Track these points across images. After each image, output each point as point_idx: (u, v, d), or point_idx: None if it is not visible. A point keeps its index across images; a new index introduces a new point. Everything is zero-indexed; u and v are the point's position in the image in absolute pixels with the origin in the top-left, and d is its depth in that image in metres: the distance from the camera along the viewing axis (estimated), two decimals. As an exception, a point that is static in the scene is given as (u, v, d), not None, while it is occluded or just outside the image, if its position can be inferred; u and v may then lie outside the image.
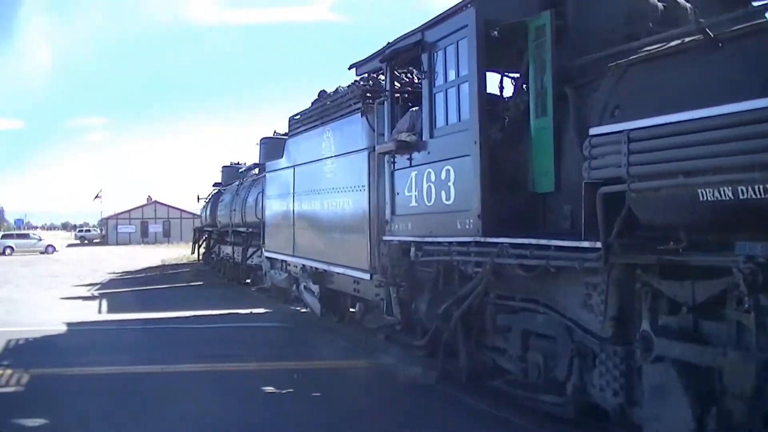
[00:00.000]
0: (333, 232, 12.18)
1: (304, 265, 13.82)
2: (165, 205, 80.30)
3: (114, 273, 32.17)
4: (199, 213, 42.51)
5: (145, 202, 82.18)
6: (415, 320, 9.77)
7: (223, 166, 31.60)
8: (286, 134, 21.42)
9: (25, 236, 57.55)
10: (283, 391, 8.97)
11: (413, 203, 9.27)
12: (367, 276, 10.80)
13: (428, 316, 9.22)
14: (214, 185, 38.08)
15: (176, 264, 35.61)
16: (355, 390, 9.18)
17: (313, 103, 13.69)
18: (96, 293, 22.42)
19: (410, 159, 9.38)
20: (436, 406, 8.28)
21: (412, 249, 9.32)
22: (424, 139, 9.05)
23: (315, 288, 13.18)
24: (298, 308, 16.29)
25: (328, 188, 12.41)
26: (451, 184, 8.35)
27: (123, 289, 24.08)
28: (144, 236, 77.68)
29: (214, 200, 27.00)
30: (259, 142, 21.42)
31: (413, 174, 9.27)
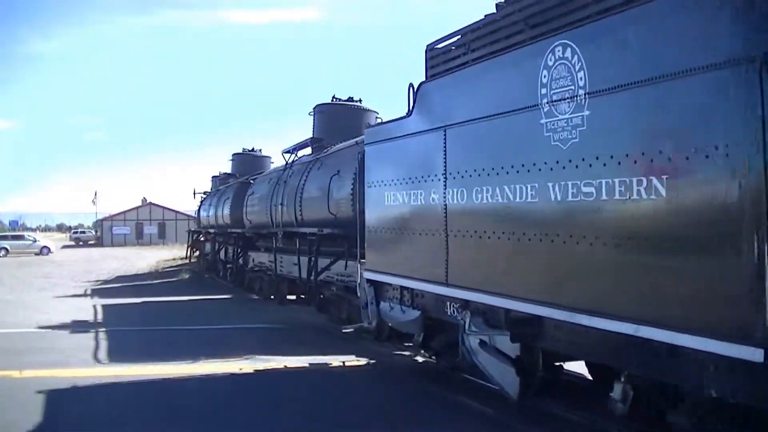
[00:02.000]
0: (581, 246, 5.25)
1: (468, 302, 6.82)
2: (160, 206, 73.43)
3: (110, 281, 25.36)
4: (195, 213, 36.36)
5: (140, 203, 75.03)
6: None
7: (235, 154, 24.38)
8: (350, 99, 14.47)
9: (20, 237, 51.99)
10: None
11: None
12: (753, 353, 3.88)
13: None
14: (217, 177, 30.73)
15: (172, 269, 30.26)
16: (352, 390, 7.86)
17: (497, 8, 6.64)
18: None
19: None
20: (435, 407, 7.11)
21: None
22: None
23: (511, 348, 6.20)
24: (412, 354, 9.32)
25: (560, 161, 5.62)
26: None
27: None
28: (139, 238, 70.78)
29: (236, 195, 19.54)
30: (312, 110, 14.27)
31: None
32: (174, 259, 35.65)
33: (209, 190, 31.65)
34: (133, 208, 73.79)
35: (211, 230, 23.21)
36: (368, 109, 14.13)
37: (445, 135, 7.23)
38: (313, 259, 11.99)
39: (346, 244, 10.77)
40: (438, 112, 7.41)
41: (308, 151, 14.33)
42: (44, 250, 47.43)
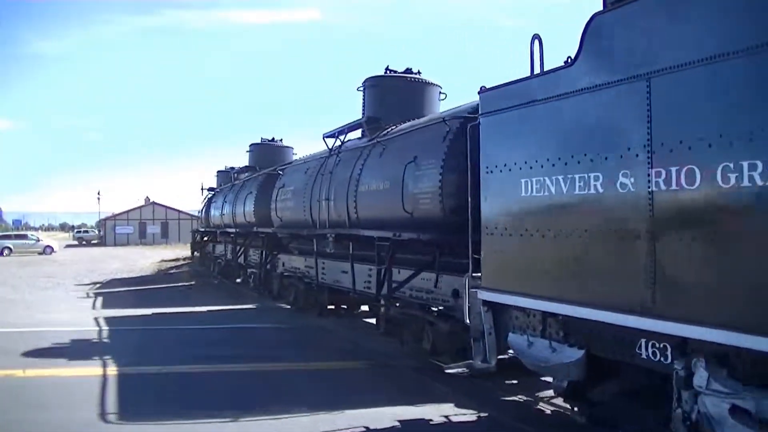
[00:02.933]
0: None
1: (686, 341, 4.17)
2: (163, 206, 70.17)
3: (114, 283, 22.54)
4: (199, 212, 33.63)
5: (143, 203, 71.79)
6: None
7: (253, 144, 21.43)
8: (408, 71, 11.37)
9: (23, 237, 50.00)
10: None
11: None
12: None
13: None
14: (223, 173, 27.98)
15: (177, 271, 27.93)
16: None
17: None
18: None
19: None
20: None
21: None
22: None
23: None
24: (531, 401, 6.72)
25: None
26: None
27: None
28: (142, 237, 67.55)
29: (261, 189, 16.67)
30: (362, 85, 11.64)
31: None
32: (177, 260, 33.67)
33: (215, 187, 28.89)
34: (136, 208, 70.83)
35: (230, 230, 20.06)
36: (431, 83, 11.31)
37: (648, 88, 4.57)
38: (383, 270, 9.12)
39: (434, 251, 8.04)
40: (632, 55, 4.74)
41: (357, 134, 11.59)
42: (47, 250, 45.50)
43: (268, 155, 19.92)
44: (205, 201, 29.59)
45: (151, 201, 71.27)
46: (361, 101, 11.61)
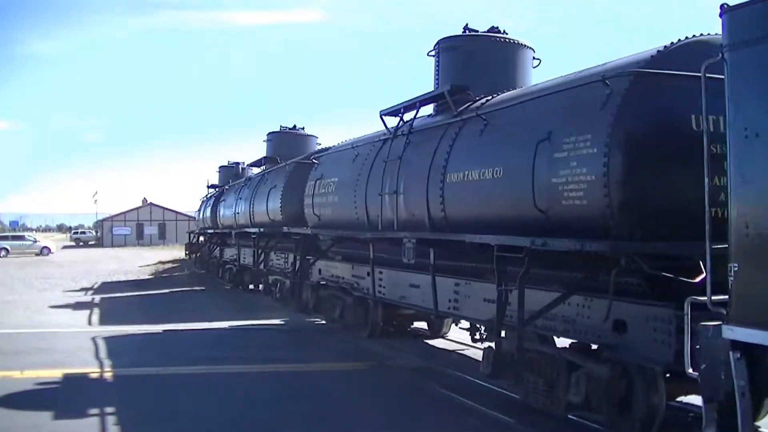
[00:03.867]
0: None
1: None
2: (160, 207, 68.38)
3: (112, 286, 21.18)
4: (197, 213, 31.30)
5: (140, 204, 69.78)
6: None
7: (271, 133, 18.60)
8: (494, 29, 8.47)
9: (20, 238, 49.91)
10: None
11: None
12: None
13: None
14: (226, 168, 25.56)
15: (178, 274, 26.67)
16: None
17: None
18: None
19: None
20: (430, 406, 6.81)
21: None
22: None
23: None
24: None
25: None
26: None
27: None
28: (139, 238, 65.46)
29: (290, 181, 13.81)
30: (434, 48, 9.38)
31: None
32: (175, 261, 32.81)
33: (217, 184, 26.33)
34: (133, 209, 68.91)
35: (251, 231, 16.78)
36: (524, 44, 8.75)
37: None
38: (506, 291, 6.06)
39: (596, 265, 5.41)
40: None
41: (428, 110, 8.97)
42: (44, 251, 44.58)
43: (290, 145, 17.12)
44: (207, 199, 26.95)
45: (148, 202, 69.41)
46: (434, 68, 8.97)
